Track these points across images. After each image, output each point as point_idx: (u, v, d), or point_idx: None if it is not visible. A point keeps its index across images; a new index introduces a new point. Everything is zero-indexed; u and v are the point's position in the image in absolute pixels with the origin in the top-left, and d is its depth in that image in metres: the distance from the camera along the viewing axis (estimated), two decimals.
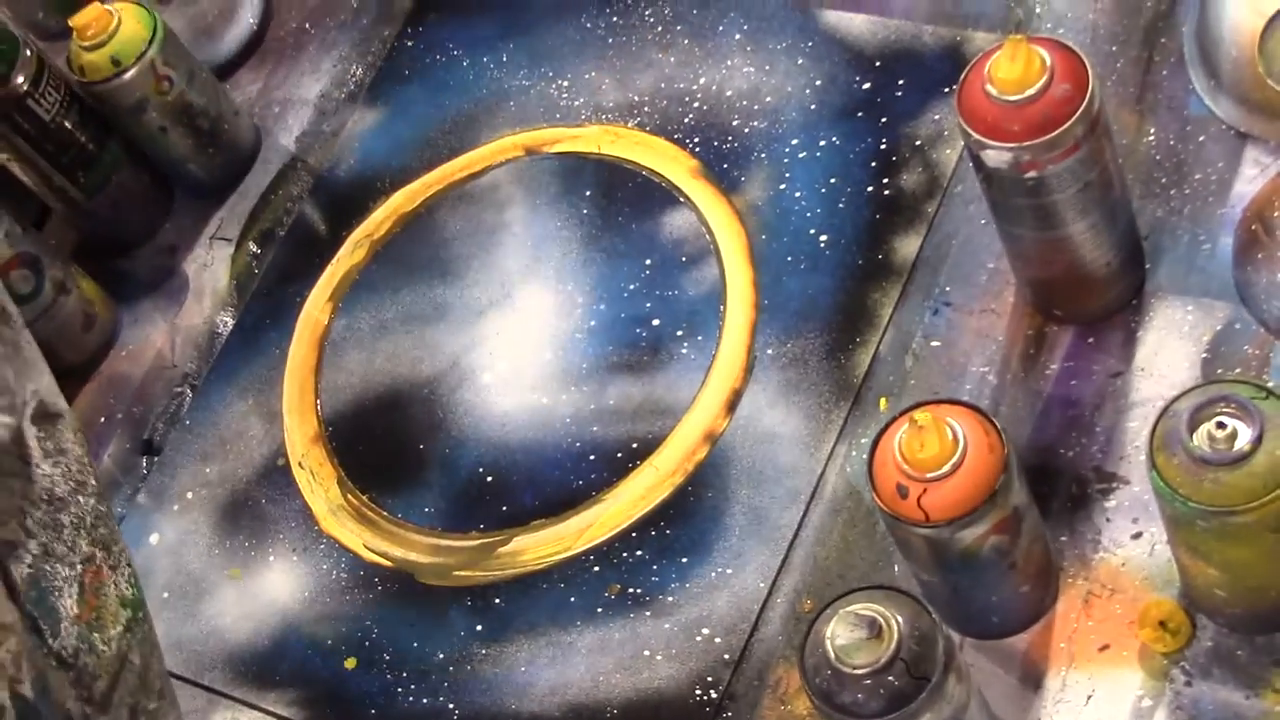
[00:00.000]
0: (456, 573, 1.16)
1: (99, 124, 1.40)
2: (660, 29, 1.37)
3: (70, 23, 1.35)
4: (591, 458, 1.17)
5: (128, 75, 1.36)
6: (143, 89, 1.37)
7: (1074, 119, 0.91)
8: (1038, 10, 1.21)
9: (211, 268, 1.42)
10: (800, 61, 1.29)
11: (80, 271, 1.40)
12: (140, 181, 1.44)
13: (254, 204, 1.45)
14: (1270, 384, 0.84)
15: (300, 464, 1.27)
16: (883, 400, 1.10)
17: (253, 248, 1.42)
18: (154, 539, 1.28)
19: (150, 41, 1.36)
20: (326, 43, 1.52)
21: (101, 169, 1.40)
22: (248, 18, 1.56)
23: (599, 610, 1.11)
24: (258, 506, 1.26)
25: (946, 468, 0.85)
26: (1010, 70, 0.91)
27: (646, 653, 1.07)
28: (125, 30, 1.35)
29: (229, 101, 1.46)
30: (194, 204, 1.47)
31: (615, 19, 1.40)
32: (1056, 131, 0.91)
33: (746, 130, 1.28)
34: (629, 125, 1.33)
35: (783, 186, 1.23)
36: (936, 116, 1.21)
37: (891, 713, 0.81)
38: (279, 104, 1.51)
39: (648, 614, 1.09)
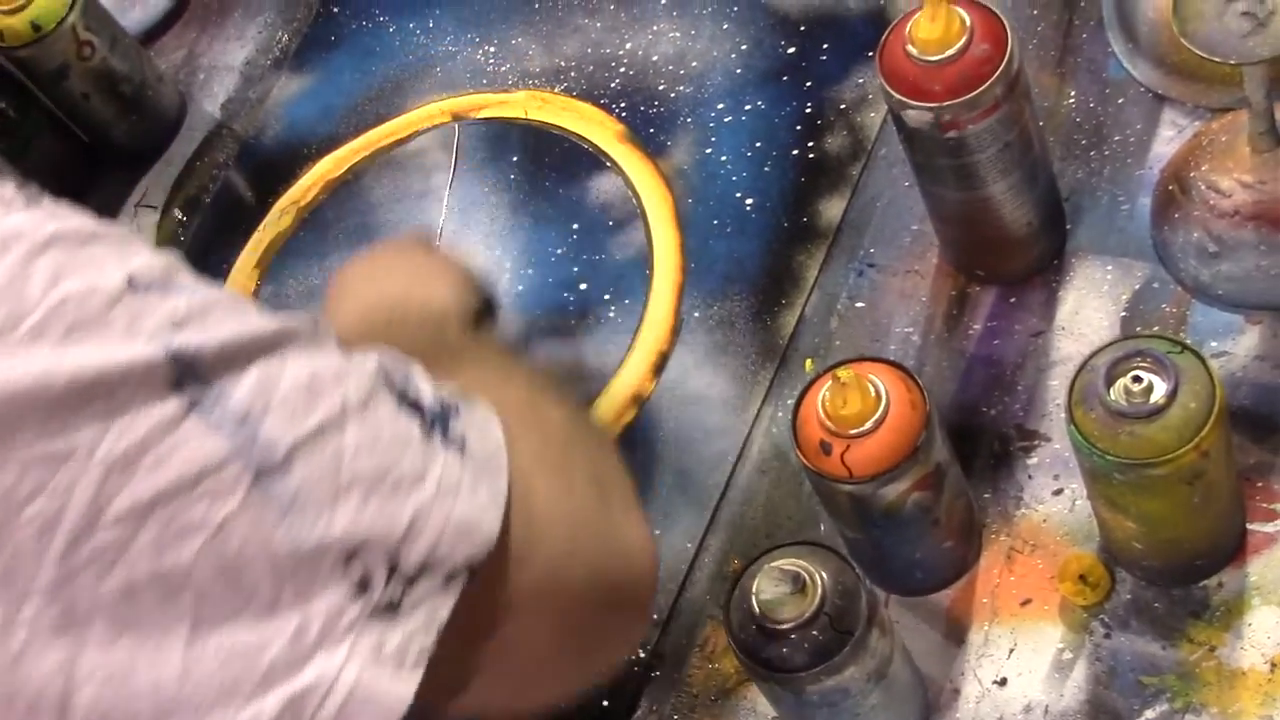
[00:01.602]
0: None
1: (19, 91, 1.38)
2: None
3: None
4: None
5: (48, 41, 1.34)
6: (64, 55, 1.35)
7: (993, 79, 0.91)
8: None
9: (137, 235, 1.41)
10: (725, 26, 1.30)
11: None
12: (63, 149, 1.43)
13: (179, 171, 1.44)
14: (1186, 340, 0.85)
15: None
16: (808, 362, 1.11)
17: (178, 215, 1.41)
18: None
19: (71, 6, 1.34)
20: (251, 9, 1.51)
21: (22, 136, 1.38)
22: None
23: None
24: None
25: (869, 424, 0.86)
26: (930, 30, 0.91)
27: None
28: None
29: (153, 68, 1.45)
30: (118, 171, 1.46)
31: None
32: (976, 91, 0.92)
33: (673, 95, 1.28)
34: (556, 90, 1.33)
35: (708, 150, 1.24)
36: (860, 80, 1.22)
37: (816, 666, 0.82)
38: (204, 70, 1.49)
39: None
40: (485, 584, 0.60)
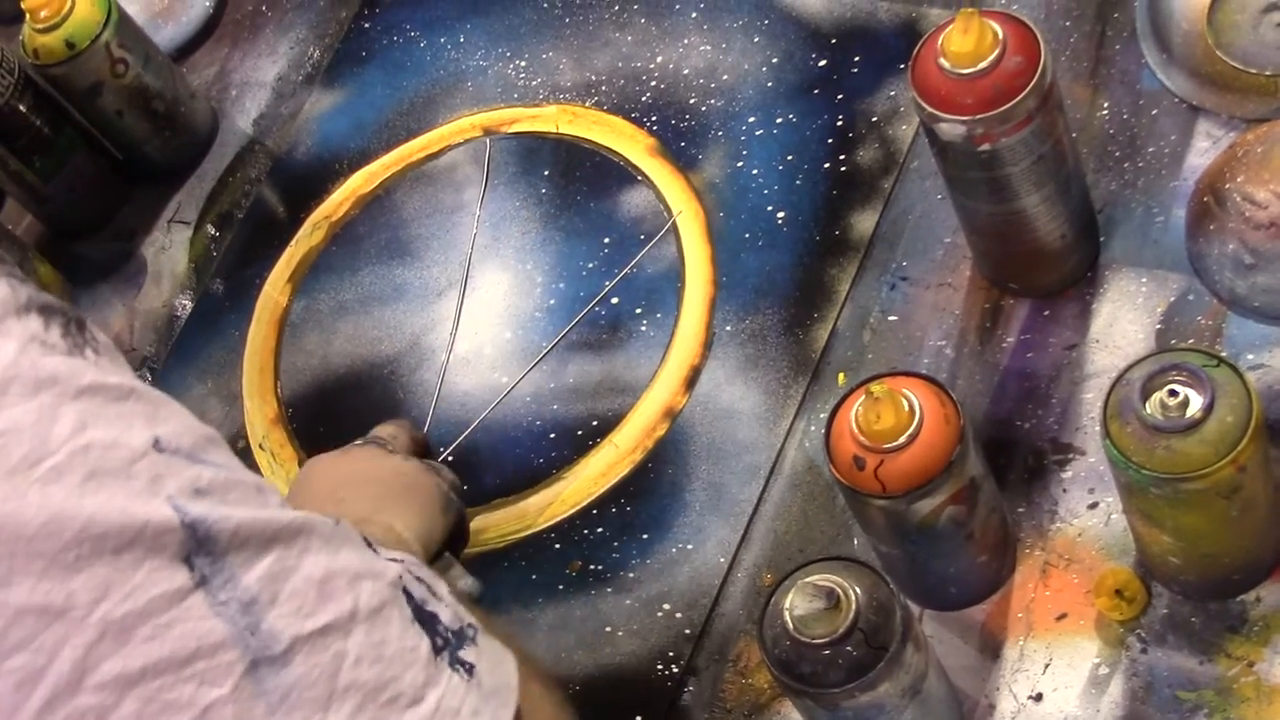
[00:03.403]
0: None
1: (54, 108, 1.39)
2: (617, 8, 1.37)
3: (23, 5, 1.34)
4: (552, 436, 1.17)
5: (82, 58, 1.35)
6: (98, 72, 1.37)
7: (1026, 92, 0.91)
8: None
9: (170, 251, 1.42)
10: (757, 39, 1.30)
11: (38, 256, 1.39)
12: (97, 165, 1.44)
13: (212, 187, 1.45)
14: (1222, 353, 0.85)
15: (261, 446, 1.27)
16: (841, 375, 1.11)
17: (211, 230, 1.42)
18: None
19: (105, 24, 1.35)
20: (283, 25, 1.52)
21: (57, 153, 1.39)
22: (203, 0, 1.55)
23: (560, 587, 1.11)
24: None
25: (903, 439, 0.86)
26: (963, 43, 0.91)
27: (608, 629, 1.08)
28: (79, 13, 1.35)
29: (185, 84, 1.46)
30: (151, 187, 1.47)
31: None
32: (1009, 104, 0.91)
33: (704, 108, 1.28)
34: (587, 104, 1.33)
35: (740, 164, 1.24)
36: (892, 93, 1.21)
37: (850, 682, 0.82)
38: (236, 87, 1.50)
39: (609, 590, 1.09)
40: None
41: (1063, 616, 0.96)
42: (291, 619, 0.53)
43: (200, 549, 0.51)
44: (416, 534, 0.92)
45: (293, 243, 1.37)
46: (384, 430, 1.07)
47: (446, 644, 0.60)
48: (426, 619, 0.60)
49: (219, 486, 0.53)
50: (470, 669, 0.60)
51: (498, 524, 1.15)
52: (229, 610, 0.51)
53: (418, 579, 0.61)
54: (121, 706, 0.49)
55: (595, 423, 1.17)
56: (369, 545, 0.60)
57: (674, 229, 1.23)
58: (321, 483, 0.98)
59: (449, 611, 0.62)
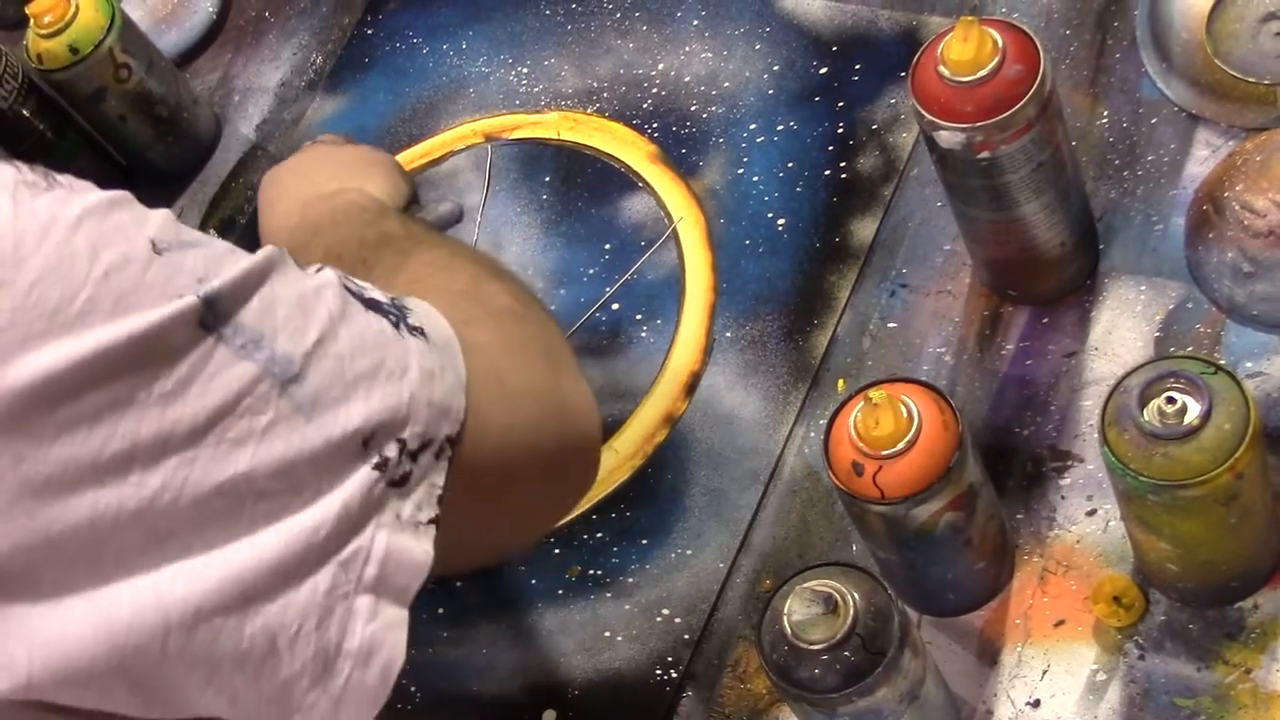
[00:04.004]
0: None
1: (57, 112, 1.39)
2: (619, 15, 1.38)
3: (27, 10, 1.34)
4: None
5: (86, 64, 1.35)
6: (101, 77, 1.37)
7: (1026, 99, 0.91)
8: None
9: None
10: (758, 47, 1.30)
11: None
12: (100, 170, 1.44)
13: (215, 192, 1.45)
14: (1220, 361, 0.85)
15: None
16: (840, 382, 1.11)
17: (214, 235, 1.42)
18: None
19: (108, 29, 1.35)
20: (286, 31, 1.52)
21: (60, 158, 1.40)
22: (207, 6, 1.55)
23: (560, 592, 1.11)
24: None
25: (901, 445, 0.86)
26: (962, 51, 0.91)
27: (607, 634, 1.08)
28: (83, 18, 1.35)
29: (188, 90, 1.46)
30: (154, 192, 1.46)
31: (574, 5, 1.40)
32: (1009, 112, 0.92)
33: (704, 115, 1.28)
34: (588, 111, 1.33)
35: (740, 171, 1.24)
36: (892, 100, 1.22)
37: (848, 688, 0.82)
38: (239, 92, 1.50)
39: (608, 595, 1.10)
40: (472, 452, 0.68)
41: (1061, 623, 0.96)
42: (293, 340, 0.62)
43: (210, 312, 0.59)
44: (387, 194, 1.06)
45: None
46: (325, 137, 1.22)
47: (398, 318, 0.68)
48: (372, 305, 0.67)
49: (208, 261, 0.60)
50: (422, 332, 0.69)
51: None
52: (247, 351, 0.60)
53: (345, 276, 0.68)
54: (202, 453, 0.58)
55: None
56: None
57: (674, 235, 1.23)
58: (288, 175, 1.11)
59: (380, 293, 0.70)
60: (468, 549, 0.69)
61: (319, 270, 0.67)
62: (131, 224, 0.59)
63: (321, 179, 1.07)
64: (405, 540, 0.64)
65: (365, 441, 0.63)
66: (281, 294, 0.63)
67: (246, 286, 0.61)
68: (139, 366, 0.57)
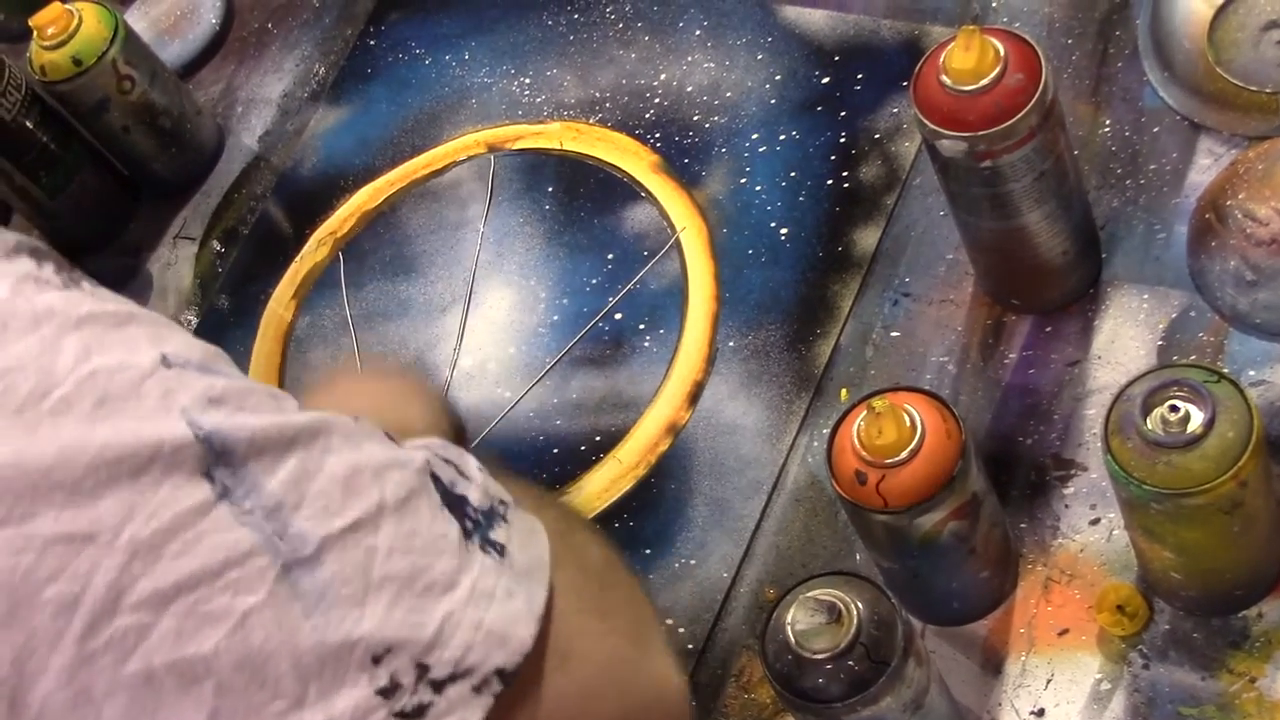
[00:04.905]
0: None
1: (61, 124, 1.39)
2: (621, 26, 1.38)
3: (30, 23, 1.35)
4: (555, 451, 1.18)
5: (89, 75, 1.36)
6: (104, 89, 1.37)
7: (1028, 108, 0.91)
8: (994, 5, 1.23)
9: (175, 267, 1.42)
10: (760, 56, 1.30)
11: None
12: (103, 181, 1.44)
13: (217, 203, 1.45)
14: (1223, 369, 0.85)
15: None
16: (844, 391, 1.11)
17: (216, 246, 1.42)
18: None
19: (111, 41, 1.36)
20: (289, 42, 1.53)
21: (64, 169, 1.40)
22: (210, 17, 1.56)
23: None
24: None
25: (904, 454, 0.86)
26: (964, 60, 0.91)
27: None
28: (86, 30, 1.35)
29: (191, 101, 1.46)
30: (157, 203, 1.47)
31: (576, 16, 1.40)
32: (1011, 121, 0.92)
33: (707, 125, 1.28)
34: (591, 121, 1.34)
35: (743, 180, 1.24)
36: (895, 110, 1.22)
37: (852, 697, 0.82)
38: (242, 103, 1.51)
39: None
40: (519, 698, 0.59)
41: (1065, 632, 0.96)
42: (319, 519, 0.53)
43: (219, 461, 0.51)
44: (430, 426, 0.89)
45: (298, 259, 1.37)
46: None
47: (476, 526, 0.59)
48: (455, 502, 0.59)
49: (233, 395, 0.53)
50: (501, 549, 0.59)
51: None
52: (254, 518, 0.51)
53: (445, 460, 0.60)
54: (161, 623, 0.50)
55: (598, 438, 1.17)
56: (390, 438, 0.60)
57: (677, 245, 1.23)
58: (322, 398, 0.95)
59: (478, 491, 0.61)
60: None
61: (418, 447, 0.59)
62: (146, 336, 0.53)
63: (360, 406, 0.90)
64: None
65: (376, 658, 0.54)
66: (330, 464, 0.55)
67: (279, 443, 0.53)
68: (108, 493, 0.49)
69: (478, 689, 0.56)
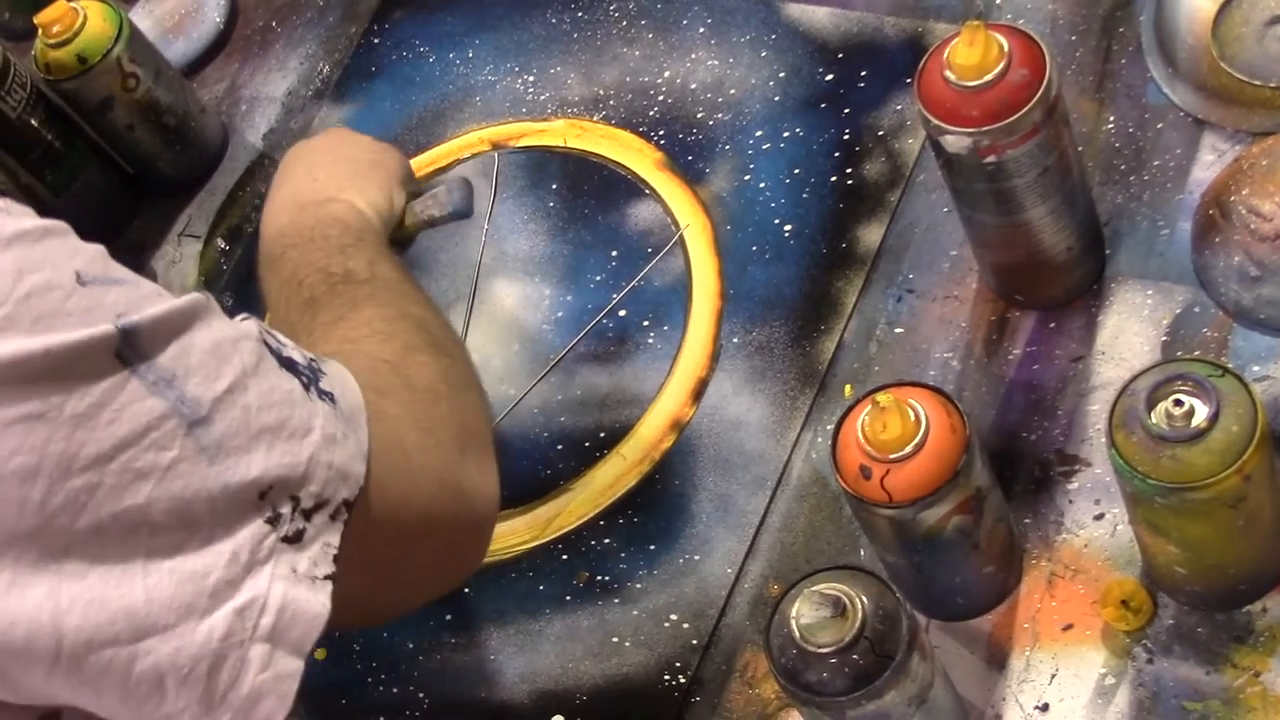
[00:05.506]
0: None
1: (66, 122, 1.40)
2: (625, 23, 1.38)
3: (35, 20, 1.35)
4: (559, 447, 1.18)
5: (94, 73, 1.36)
6: (109, 87, 1.37)
7: (1032, 104, 0.92)
8: (998, 1, 1.23)
9: (180, 264, 1.43)
10: (763, 54, 1.30)
11: None
12: (108, 179, 1.45)
13: (222, 201, 1.45)
14: (1228, 364, 0.85)
15: None
16: (848, 387, 1.11)
17: (221, 244, 1.42)
18: None
19: (116, 39, 1.36)
20: (293, 40, 1.53)
21: (68, 167, 1.40)
22: (214, 16, 1.56)
23: (568, 598, 1.11)
24: None
25: (909, 448, 0.86)
26: (968, 56, 0.92)
27: (615, 639, 1.08)
28: (91, 28, 1.36)
29: (196, 99, 1.47)
30: (162, 201, 1.48)
31: (580, 14, 1.40)
32: (1015, 116, 0.92)
33: (711, 122, 1.29)
34: (594, 119, 1.34)
35: (747, 177, 1.24)
36: (898, 107, 1.22)
37: (856, 691, 0.82)
38: (246, 101, 1.51)
39: (616, 601, 1.10)
40: (368, 518, 0.71)
41: (1069, 627, 0.96)
42: (204, 385, 0.64)
43: (126, 345, 0.62)
44: (377, 210, 1.06)
45: None
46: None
47: (310, 380, 0.70)
48: (287, 363, 0.70)
49: (131, 298, 0.63)
50: (332, 398, 0.71)
51: (505, 535, 1.15)
52: (159, 389, 0.63)
53: (268, 331, 0.71)
54: (104, 481, 0.61)
55: (603, 434, 1.17)
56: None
57: (681, 242, 1.23)
58: (300, 165, 1.11)
59: (297, 352, 0.72)
60: (355, 609, 0.71)
61: (243, 319, 0.70)
62: (61, 253, 0.63)
63: (325, 178, 1.08)
64: (302, 593, 0.66)
65: (262, 494, 0.65)
66: (200, 340, 0.65)
67: (166, 328, 0.64)
68: (52, 384, 0.60)
69: (333, 516, 0.69)
